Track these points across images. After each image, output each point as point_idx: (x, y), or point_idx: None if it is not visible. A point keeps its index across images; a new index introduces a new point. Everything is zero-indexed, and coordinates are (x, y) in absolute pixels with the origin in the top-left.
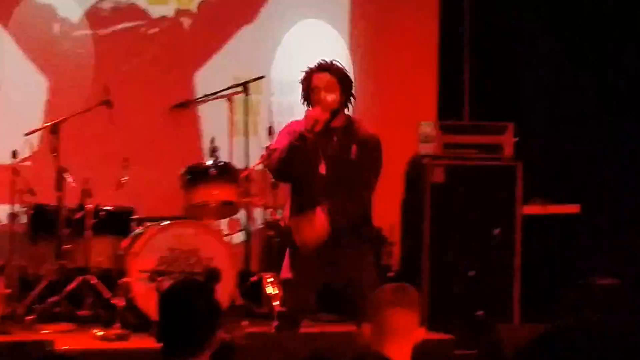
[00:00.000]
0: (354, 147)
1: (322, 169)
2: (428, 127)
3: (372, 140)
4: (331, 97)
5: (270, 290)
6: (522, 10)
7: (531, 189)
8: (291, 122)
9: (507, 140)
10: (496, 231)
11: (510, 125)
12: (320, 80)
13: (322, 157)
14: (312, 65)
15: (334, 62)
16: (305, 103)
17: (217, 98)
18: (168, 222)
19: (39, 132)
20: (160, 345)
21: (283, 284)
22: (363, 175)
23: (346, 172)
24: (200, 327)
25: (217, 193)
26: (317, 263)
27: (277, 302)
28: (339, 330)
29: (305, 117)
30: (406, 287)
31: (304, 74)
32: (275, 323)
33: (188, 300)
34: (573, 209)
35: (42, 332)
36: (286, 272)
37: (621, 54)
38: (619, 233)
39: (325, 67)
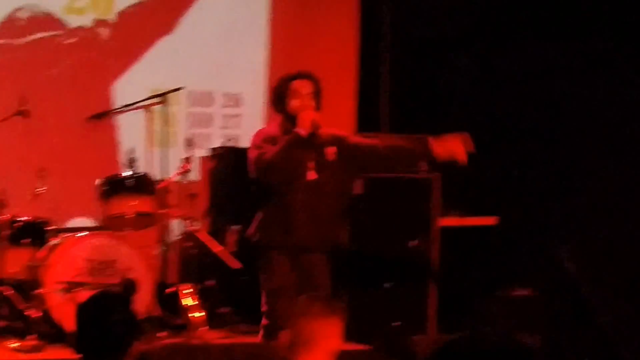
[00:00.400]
0: (330, 150)
1: (312, 175)
2: None
3: (342, 137)
4: (313, 104)
5: (187, 301)
6: (441, 22)
7: (449, 201)
8: (259, 130)
9: None
10: (413, 243)
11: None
12: (303, 87)
13: (310, 163)
14: (290, 73)
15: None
16: (279, 109)
17: (135, 109)
18: (85, 233)
19: None
20: (78, 356)
21: (268, 295)
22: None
23: (331, 176)
24: (118, 338)
25: (134, 204)
26: (294, 270)
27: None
28: (258, 341)
29: (301, 118)
30: (325, 297)
31: (280, 79)
32: (260, 334)
33: (105, 311)
34: (490, 221)
35: None
36: (269, 283)
37: (535, 68)
38: (535, 245)
39: (306, 75)
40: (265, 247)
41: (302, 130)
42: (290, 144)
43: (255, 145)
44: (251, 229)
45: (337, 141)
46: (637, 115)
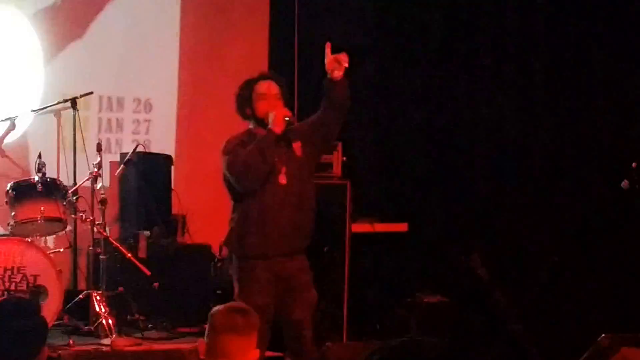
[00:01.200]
0: (296, 145)
1: (282, 179)
2: None
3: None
4: (281, 104)
5: (98, 307)
6: (351, 27)
7: (360, 207)
8: (229, 138)
9: (337, 159)
10: (325, 249)
11: (339, 144)
12: (268, 88)
13: (281, 166)
14: (252, 76)
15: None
16: (246, 114)
17: (44, 113)
18: None
19: None
20: None
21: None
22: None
23: (300, 176)
24: (26, 345)
25: (43, 209)
26: (273, 281)
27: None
28: (169, 348)
29: (274, 116)
30: (242, 309)
31: (243, 83)
32: None
33: (13, 318)
34: (401, 227)
35: None
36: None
37: (446, 76)
38: (445, 251)
39: (269, 77)
40: (243, 256)
41: (277, 127)
42: (266, 143)
43: (227, 151)
44: (227, 239)
45: (296, 134)
46: (540, 126)
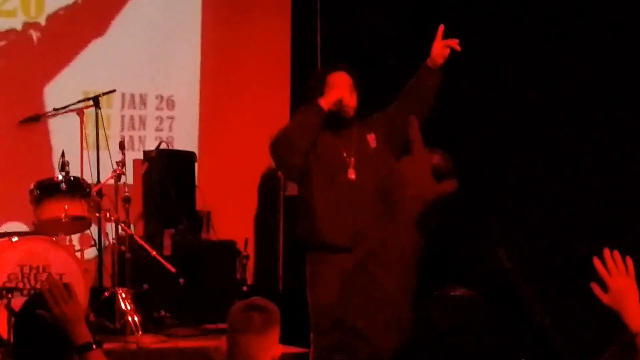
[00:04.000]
0: (371, 137)
1: (351, 174)
2: None
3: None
4: (354, 97)
5: (123, 305)
6: (372, 24)
7: None
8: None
9: None
10: None
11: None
12: (341, 79)
13: (350, 158)
14: (325, 66)
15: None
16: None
17: (67, 112)
18: (17, 237)
19: None
20: None
21: (314, 310)
22: None
23: (373, 171)
24: (58, 344)
25: (67, 208)
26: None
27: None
28: (195, 346)
29: (332, 94)
30: (259, 305)
31: (317, 73)
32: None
33: (44, 316)
34: None
35: None
36: (317, 297)
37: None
38: (472, 244)
39: (343, 67)
40: (315, 247)
41: (325, 102)
42: (307, 114)
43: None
44: (300, 230)
45: (372, 125)
46: (564, 119)
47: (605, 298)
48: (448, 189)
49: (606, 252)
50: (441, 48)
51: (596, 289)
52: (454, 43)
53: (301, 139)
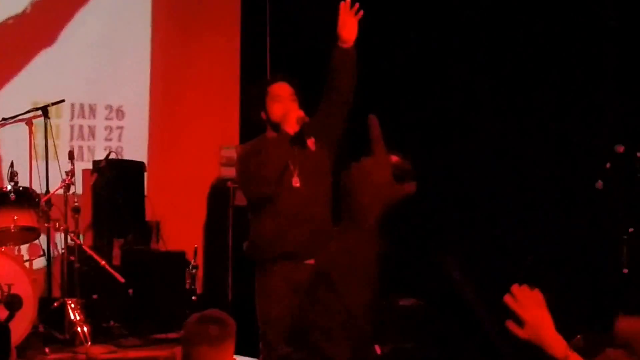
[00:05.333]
0: (310, 141)
1: (296, 182)
2: (230, 151)
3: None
4: (296, 106)
5: (72, 315)
6: (323, 32)
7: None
8: (241, 146)
9: None
10: None
11: None
12: (282, 89)
13: (294, 167)
14: (265, 78)
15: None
16: (258, 117)
17: (16, 122)
18: None
19: None
20: None
21: (263, 323)
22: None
23: (315, 176)
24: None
25: (17, 218)
26: (291, 285)
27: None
28: (145, 355)
29: (288, 118)
30: (215, 317)
31: (256, 85)
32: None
33: None
34: None
35: None
36: (264, 309)
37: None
38: (420, 254)
39: (282, 78)
40: (261, 260)
41: (290, 128)
42: (278, 146)
43: (238, 159)
44: (247, 243)
45: (310, 127)
46: (515, 126)
47: (522, 333)
48: (408, 191)
49: (514, 287)
50: (343, 21)
51: (512, 326)
52: (352, 9)
53: (276, 172)
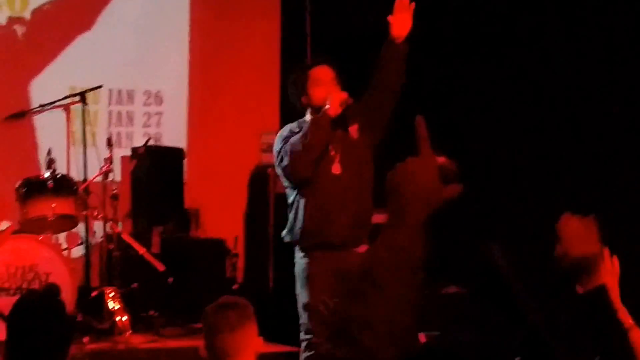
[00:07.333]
0: (353, 128)
1: (336, 169)
2: (270, 137)
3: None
4: (338, 89)
5: (112, 304)
6: (366, 16)
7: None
8: (280, 131)
9: None
10: None
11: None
12: (325, 73)
13: (335, 153)
14: (306, 62)
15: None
16: (300, 101)
17: (53, 108)
18: None
19: None
20: None
21: (305, 308)
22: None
23: (357, 163)
24: (51, 344)
25: (54, 206)
26: (333, 273)
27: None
28: (184, 345)
29: (331, 99)
30: (231, 303)
31: (297, 69)
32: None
33: (39, 317)
34: None
35: None
36: (306, 294)
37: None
38: (466, 241)
39: (324, 61)
40: (302, 248)
41: (332, 110)
42: (318, 127)
43: (277, 141)
44: (287, 230)
45: (354, 114)
46: (563, 114)
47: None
48: (454, 193)
49: (606, 251)
50: (397, 16)
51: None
52: (406, 4)
53: (316, 153)
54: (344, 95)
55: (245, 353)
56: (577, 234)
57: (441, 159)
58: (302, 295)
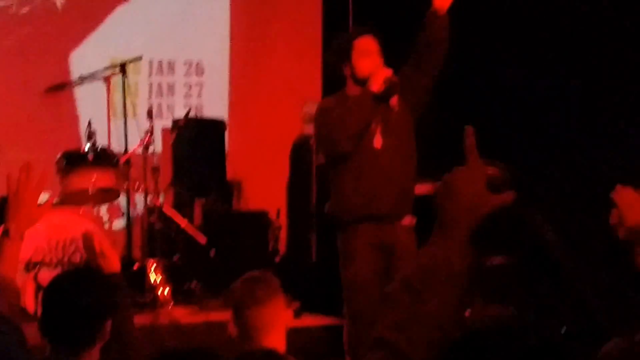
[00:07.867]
0: (394, 100)
1: (378, 142)
2: (312, 107)
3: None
4: (382, 64)
5: (153, 277)
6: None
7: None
8: (319, 103)
9: None
10: None
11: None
12: (370, 44)
13: (376, 126)
14: (350, 31)
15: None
16: (341, 71)
17: (94, 80)
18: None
19: None
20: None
21: (348, 286)
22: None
23: (399, 135)
24: (86, 319)
25: (95, 179)
26: (377, 247)
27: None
28: (226, 318)
29: (375, 76)
30: (256, 277)
31: (341, 38)
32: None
33: (75, 292)
34: None
35: None
36: (349, 271)
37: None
38: (510, 211)
39: (369, 30)
40: (346, 221)
41: (375, 86)
42: (361, 104)
43: (318, 114)
44: (330, 204)
45: (396, 89)
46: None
47: (621, 231)
48: (504, 202)
49: (620, 186)
50: None
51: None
52: None
53: (357, 129)
54: (388, 72)
55: (275, 327)
56: (634, 203)
57: (490, 169)
58: (344, 271)
